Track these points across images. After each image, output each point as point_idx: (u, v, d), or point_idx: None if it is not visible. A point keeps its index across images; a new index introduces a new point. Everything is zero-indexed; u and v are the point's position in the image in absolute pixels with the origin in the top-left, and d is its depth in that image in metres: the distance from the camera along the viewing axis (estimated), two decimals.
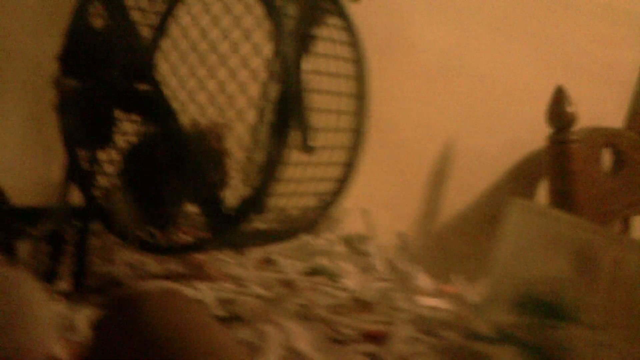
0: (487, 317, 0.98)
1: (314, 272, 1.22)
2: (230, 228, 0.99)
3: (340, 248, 1.34)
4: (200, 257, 1.18)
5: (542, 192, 1.85)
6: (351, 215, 1.37)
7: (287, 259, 1.25)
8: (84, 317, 0.93)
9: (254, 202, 0.98)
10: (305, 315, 1.02)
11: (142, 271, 1.13)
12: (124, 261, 1.16)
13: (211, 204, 1.00)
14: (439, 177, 1.73)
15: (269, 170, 0.96)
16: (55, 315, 0.84)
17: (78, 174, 1.07)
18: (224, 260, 1.20)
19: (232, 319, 0.99)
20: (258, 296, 1.07)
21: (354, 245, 1.37)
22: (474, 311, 1.04)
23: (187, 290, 1.05)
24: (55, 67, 1.08)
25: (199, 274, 1.14)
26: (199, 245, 1.04)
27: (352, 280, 1.20)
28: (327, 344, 0.94)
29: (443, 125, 1.71)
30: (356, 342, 0.97)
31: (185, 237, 1.11)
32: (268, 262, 1.24)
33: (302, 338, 0.94)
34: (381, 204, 1.46)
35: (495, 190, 1.81)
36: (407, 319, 1.04)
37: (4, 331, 0.77)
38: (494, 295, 0.99)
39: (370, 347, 0.96)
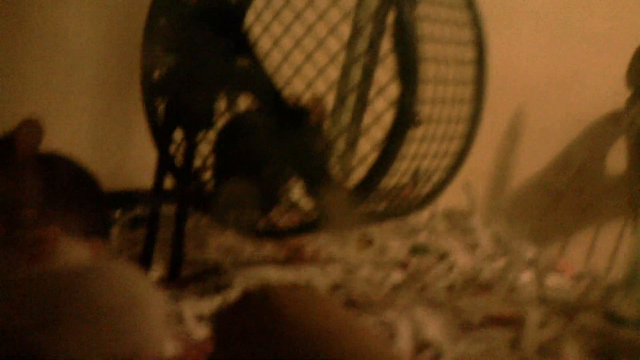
0: (630, 298, 0.89)
1: (418, 250, 1.13)
2: (345, 209, 0.90)
3: (441, 224, 1.25)
4: (297, 240, 1.10)
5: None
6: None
7: (387, 238, 1.16)
8: (190, 309, 0.86)
9: (370, 182, 0.89)
10: (425, 300, 0.93)
11: (238, 256, 1.05)
12: (218, 246, 1.08)
13: (322, 183, 0.91)
14: (536, 145, 1.62)
15: (386, 148, 0.87)
16: (166, 310, 0.76)
17: (171, 157, 0.99)
18: (322, 242, 1.12)
19: (347, 305, 0.91)
20: (369, 280, 0.98)
21: (455, 220, 1.28)
22: (612, 291, 0.94)
23: (293, 275, 0.97)
24: (141, 46, 1.01)
25: (300, 257, 1.06)
26: (305, 227, 0.95)
27: (462, 258, 1.11)
28: (458, 331, 0.86)
29: (542, 91, 1.60)
30: (485, 327, 0.89)
31: (288, 219, 1.03)
32: (368, 242, 1.15)
33: (431, 325, 0.85)
34: (479, 176, 1.36)
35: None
36: (536, 301, 0.95)
37: (119, 331, 0.69)
38: (636, 274, 0.89)
39: (503, 333, 0.87)
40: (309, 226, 0.96)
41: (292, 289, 0.67)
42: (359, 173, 0.91)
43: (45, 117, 0.84)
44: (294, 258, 1.04)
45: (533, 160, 1.63)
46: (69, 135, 1.16)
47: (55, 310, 0.69)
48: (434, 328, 0.85)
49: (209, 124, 0.95)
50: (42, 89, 1.16)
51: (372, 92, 1.02)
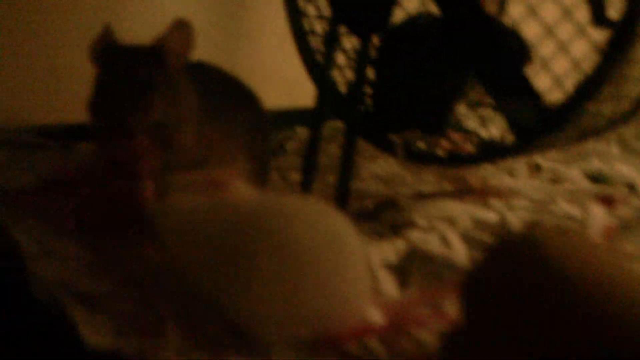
0: None
1: (597, 179, 0.97)
2: (549, 129, 0.74)
3: (614, 149, 1.09)
4: (457, 169, 0.94)
5: None
6: None
7: (558, 164, 1.01)
8: (375, 254, 0.71)
9: (581, 98, 0.72)
10: None
11: (400, 187, 0.91)
12: (373, 175, 0.94)
13: (524, 100, 0.75)
14: None
15: (606, 57, 0.70)
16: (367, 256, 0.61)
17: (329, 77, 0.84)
18: (486, 172, 0.97)
19: None
20: (569, 217, 0.83)
21: (627, 144, 1.11)
22: None
23: (479, 211, 0.82)
24: None
25: (471, 189, 0.91)
26: (492, 153, 0.80)
27: None
28: None
29: None
30: None
31: (461, 145, 0.88)
32: (537, 169, 1.00)
33: None
34: None
35: None
36: None
37: (323, 280, 0.54)
38: None
39: None
40: (497, 151, 0.81)
41: (561, 233, 0.51)
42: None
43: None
44: (468, 190, 0.89)
45: None
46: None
47: (242, 250, 0.54)
48: None
49: (384, 26, 0.79)
50: None
51: None
